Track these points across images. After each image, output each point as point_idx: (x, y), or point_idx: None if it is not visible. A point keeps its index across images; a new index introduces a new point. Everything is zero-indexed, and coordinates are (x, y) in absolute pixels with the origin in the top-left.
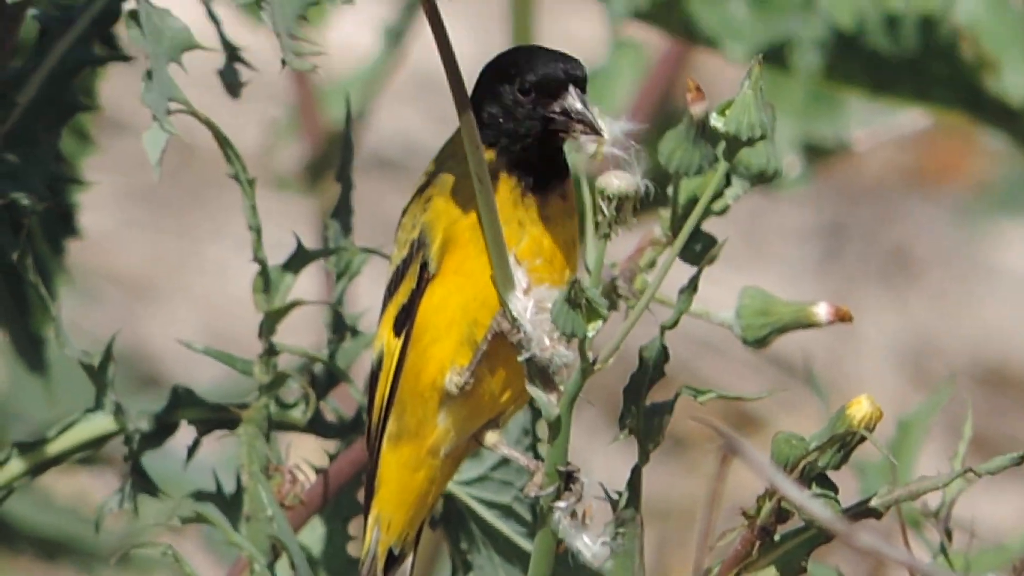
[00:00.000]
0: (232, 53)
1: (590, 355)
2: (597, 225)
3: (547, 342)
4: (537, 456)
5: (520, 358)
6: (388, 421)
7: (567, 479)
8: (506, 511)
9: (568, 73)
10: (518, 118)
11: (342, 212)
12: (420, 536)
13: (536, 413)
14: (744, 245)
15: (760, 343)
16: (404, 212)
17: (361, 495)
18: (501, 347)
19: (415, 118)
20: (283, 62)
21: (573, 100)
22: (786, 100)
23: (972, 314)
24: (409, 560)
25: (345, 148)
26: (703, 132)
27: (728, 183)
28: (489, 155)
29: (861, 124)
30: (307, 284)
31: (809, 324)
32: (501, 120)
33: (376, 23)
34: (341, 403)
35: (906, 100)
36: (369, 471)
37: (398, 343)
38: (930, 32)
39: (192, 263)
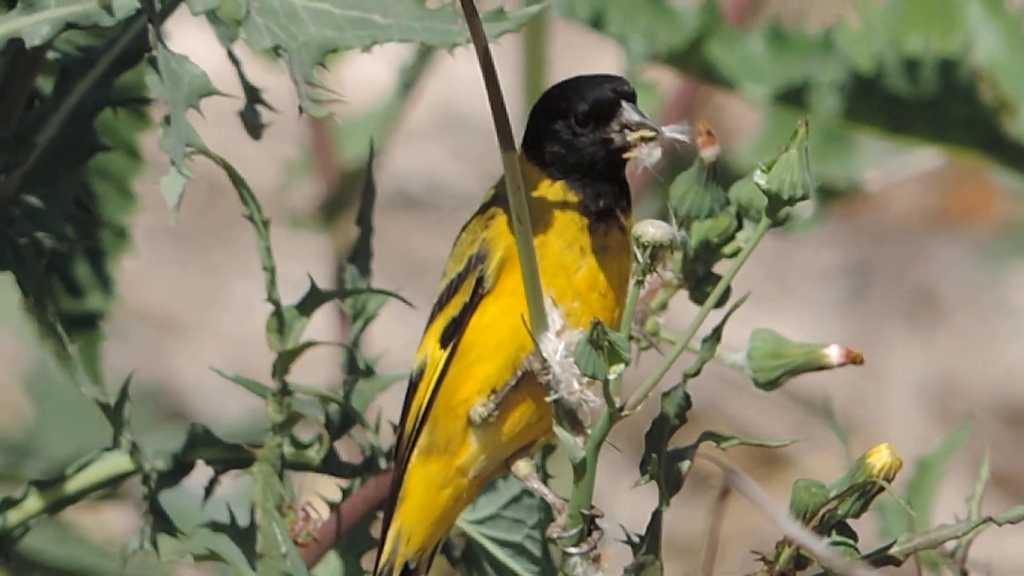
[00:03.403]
0: (253, 95)
1: (617, 400)
2: (631, 272)
3: (576, 385)
4: None
5: (548, 399)
6: (421, 434)
7: (590, 523)
8: (518, 549)
9: (617, 91)
10: (580, 148)
11: (361, 255)
12: (435, 555)
13: (547, 451)
14: (770, 285)
15: (771, 385)
16: (464, 228)
17: (376, 529)
18: (535, 380)
19: (439, 156)
20: (300, 109)
21: (629, 113)
22: None
23: (996, 353)
24: None
25: (366, 191)
26: (714, 175)
27: (740, 227)
28: (557, 187)
29: (873, 165)
30: (325, 324)
31: (820, 366)
32: (565, 155)
33: (393, 59)
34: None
35: (924, 142)
36: (395, 481)
37: (443, 355)
38: (949, 74)
39: (218, 299)
